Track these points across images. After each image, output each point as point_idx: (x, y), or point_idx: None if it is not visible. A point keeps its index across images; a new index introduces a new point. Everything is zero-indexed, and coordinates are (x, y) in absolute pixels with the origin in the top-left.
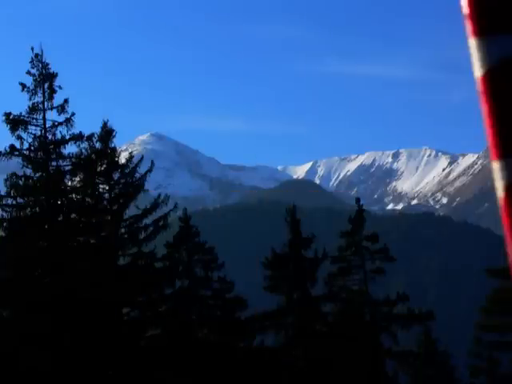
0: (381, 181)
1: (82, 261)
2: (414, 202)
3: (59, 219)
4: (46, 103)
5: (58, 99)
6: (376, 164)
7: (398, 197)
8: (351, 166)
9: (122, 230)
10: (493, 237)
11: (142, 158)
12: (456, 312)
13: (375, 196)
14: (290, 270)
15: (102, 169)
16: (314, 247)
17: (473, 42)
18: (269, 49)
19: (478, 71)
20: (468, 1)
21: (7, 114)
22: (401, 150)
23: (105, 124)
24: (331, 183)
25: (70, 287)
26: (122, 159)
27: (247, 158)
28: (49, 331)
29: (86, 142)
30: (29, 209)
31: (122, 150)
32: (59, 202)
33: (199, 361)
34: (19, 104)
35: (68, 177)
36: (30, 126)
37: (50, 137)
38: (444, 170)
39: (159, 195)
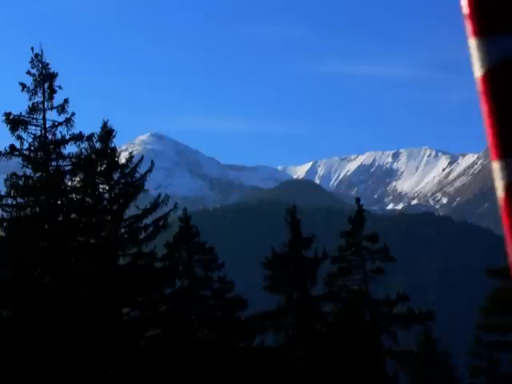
0: (381, 181)
1: (82, 261)
2: (414, 201)
3: (59, 219)
4: (46, 103)
5: (58, 99)
6: (376, 164)
7: (398, 197)
8: (351, 166)
9: (122, 230)
10: (493, 237)
11: (142, 158)
12: (456, 312)
13: (375, 196)
14: (290, 270)
15: (102, 169)
16: (314, 247)
17: (473, 42)
18: (269, 49)
19: (478, 71)
20: (468, 1)
21: (7, 114)
22: (401, 150)
23: (105, 124)
24: (331, 183)
25: (70, 287)
26: (122, 159)
27: (247, 157)
28: (49, 331)
29: (86, 142)
30: (29, 209)
31: (122, 150)
32: (59, 202)
33: (199, 361)
34: (19, 104)
35: (68, 177)
36: (29, 126)
37: (49, 137)
38: (444, 170)
39: (159, 195)
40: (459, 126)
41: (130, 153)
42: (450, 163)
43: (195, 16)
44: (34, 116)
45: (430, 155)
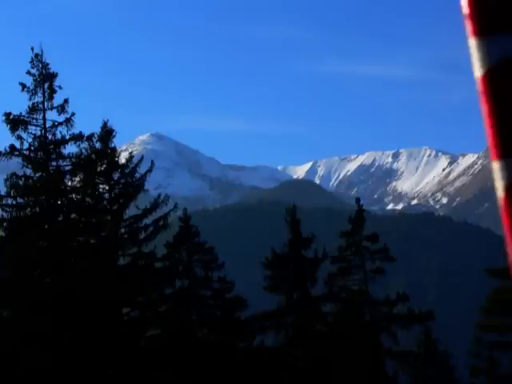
0: (381, 181)
1: (82, 261)
2: (414, 201)
3: (59, 219)
4: (46, 103)
5: (58, 99)
6: (376, 164)
7: (398, 197)
8: (351, 166)
9: (122, 230)
10: (493, 237)
11: (142, 158)
12: (456, 312)
13: (375, 196)
14: (290, 270)
15: (102, 169)
16: (314, 247)
17: (473, 42)
18: (269, 49)
19: (478, 71)
20: (468, 1)
21: (7, 114)
22: (401, 150)
23: (105, 124)
24: (331, 183)
25: (70, 287)
26: (122, 159)
27: (247, 157)
28: (49, 331)
29: (86, 142)
30: (29, 209)
31: (122, 150)
32: (59, 202)
33: (199, 361)
34: (19, 104)
35: (68, 177)
36: (30, 126)
37: (50, 137)
38: (444, 170)
39: (159, 195)
40: (459, 126)
41: (130, 153)
42: (450, 163)
43: (195, 16)
44: (34, 116)
45: (429, 155)
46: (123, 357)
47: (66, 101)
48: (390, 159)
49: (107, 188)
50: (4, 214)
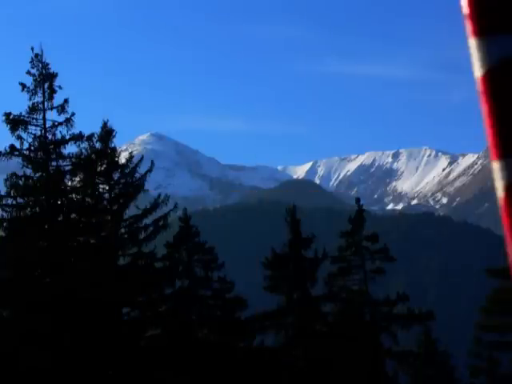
0: (381, 181)
1: (82, 261)
2: (414, 201)
3: (59, 219)
4: (46, 103)
5: (58, 99)
6: (376, 164)
7: (398, 197)
8: (351, 166)
9: (122, 230)
10: (493, 237)
11: (142, 158)
12: (456, 312)
13: (375, 196)
14: (290, 270)
15: (102, 169)
16: (314, 247)
17: (473, 42)
18: (269, 49)
19: (478, 71)
20: (468, 1)
21: (7, 114)
22: (401, 150)
23: (105, 124)
24: (331, 183)
25: (70, 287)
26: (122, 159)
27: (247, 157)
28: (49, 331)
29: (86, 142)
30: (29, 209)
31: (122, 150)
32: (59, 202)
33: (199, 361)
34: (19, 104)
35: (68, 177)
36: (30, 126)
37: (50, 137)
38: (444, 170)
39: (159, 195)
40: (459, 126)
41: (130, 153)
42: (450, 163)
43: (195, 16)
44: (34, 116)
45: (430, 155)
46: (123, 357)
47: (65, 101)
48: (389, 159)
49: (107, 188)
50: (4, 213)
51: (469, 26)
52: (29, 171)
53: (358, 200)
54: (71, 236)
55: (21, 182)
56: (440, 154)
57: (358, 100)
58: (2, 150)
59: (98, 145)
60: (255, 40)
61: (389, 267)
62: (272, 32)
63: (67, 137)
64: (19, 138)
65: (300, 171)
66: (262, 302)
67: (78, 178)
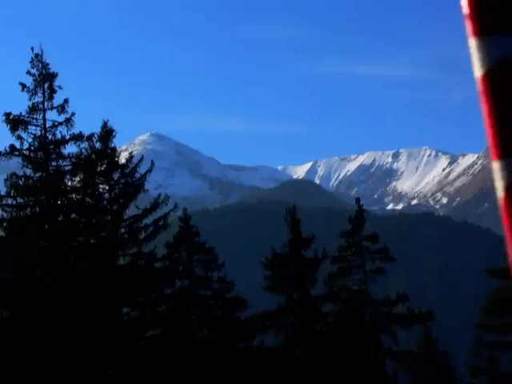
0: (381, 181)
1: (82, 261)
2: (414, 202)
3: (59, 219)
4: (46, 103)
5: (58, 99)
6: (376, 164)
7: (398, 197)
8: (351, 166)
9: (122, 230)
10: (493, 237)
11: (142, 158)
12: (456, 312)
13: (375, 196)
14: (290, 270)
15: (102, 169)
16: (314, 247)
17: (473, 42)
18: (269, 49)
19: (478, 71)
20: (468, 1)
21: (7, 114)
22: (401, 150)
23: (105, 124)
24: (331, 183)
25: (70, 287)
26: (122, 159)
27: (247, 157)
28: (49, 331)
29: (86, 142)
30: (29, 209)
31: (122, 150)
32: (59, 202)
33: (199, 361)
34: (19, 104)
35: (68, 177)
36: (30, 126)
37: (50, 137)
38: (444, 170)
39: (159, 195)
40: (459, 126)
41: (130, 153)
42: (450, 163)
43: (195, 16)
44: (34, 116)
45: (430, 155)
46: (123, 357)
47: (65, 101)
48: (390, 159)
49: (107, 188)
50: (4, 213)
51: (469, 26)
52: (29, 171)
53: (358, 200)
54: (71, 236)
55: (21, 182)
56: (440, 153)
57: (358, 100)
58: (2, 149)
59: (97, 145)
60: (255, 40)
61: (389, 267)
62: (272, 32)
63: (67, 137)
64: (19, 138)
65: (300, 171)
66: (262, 302)
67: (78, 178)
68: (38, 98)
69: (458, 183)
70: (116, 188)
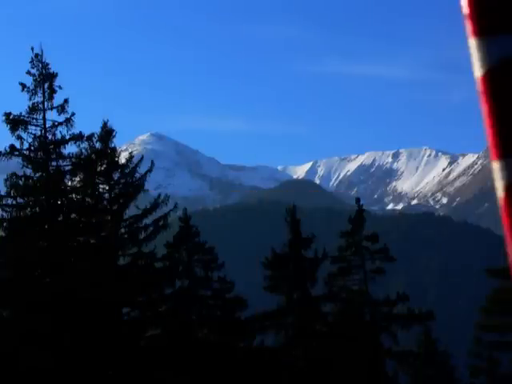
0: (381, 181)
1: (82, 261)
2: (414, 202)
3: (59, 219)
4: (46, 103)
5: (58, 99)
6: (376, 164)
7: (398, 197)
8: (351, 166)
9: (122, 230)
10: (493, 237)
11: (142, 158)
12: (456, 312)
13: (375, 196)
14: (290, 270)
15: (102, 169)
16: (314, 247)
17: (473, 42)
18: (269, 49)
19: (478, 71)
20: (468, 1)
21: (7, 114)
22: (401, 150)
23: (105, 124)
24: (331, 183)
25: (70, 287)
26: (122, 159)
27: (247, 157)
28: (49, 331)
29: (86, 142)
30: (29, 209)
31: (122, 150)
32: (59, 202)
33: (199, 361)
34: (19, 104)
35: (68, 177)
36: (30, 126)
37: (50, 137)
38: (444, 170)
39: (159, 195)
40: (459, 126)
41: (130, 153)
42: (450, 163)
43: (196, 16)
44: (34, 116)
45: (430, 155)
46: (123, 357)
47: (65, 101)
48: (389, 159)
49: (107, 188)
50: (4, 213)
51: (469, 26)
52: (29, 171)
53: (357, 200)
54: (71, 236)
55: (21, 182)
56: (440, 153)
57: (358, 100)
58: (2, 149)
59: (97, 145)
60: (255, 40)
61: (389, 267)
62: (272, 32)
63: (67, 137)
64: (19, 138)
65: (300, 171)
66: (262, 302)
67: (78, 178)
68: (38, 98)
69: (458, 183)
70: (116, 188)
